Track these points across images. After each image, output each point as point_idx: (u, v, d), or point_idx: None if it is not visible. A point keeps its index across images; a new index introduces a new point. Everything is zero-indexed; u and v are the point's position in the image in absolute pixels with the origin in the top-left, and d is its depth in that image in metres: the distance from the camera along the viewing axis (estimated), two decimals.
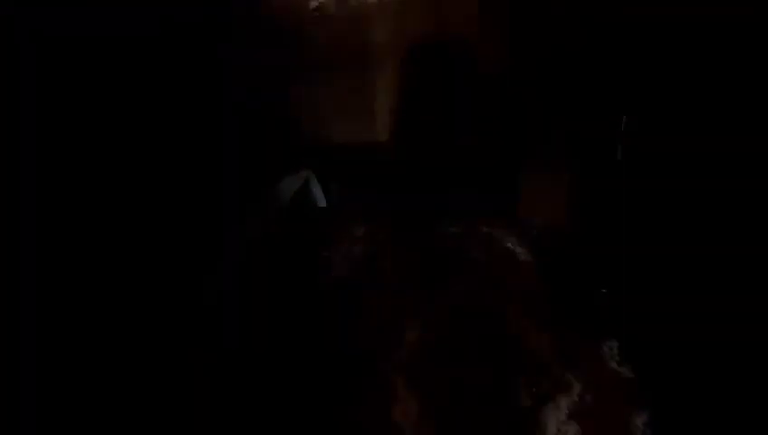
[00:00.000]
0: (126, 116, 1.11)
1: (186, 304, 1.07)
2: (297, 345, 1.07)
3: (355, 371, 1.05)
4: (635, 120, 1.27)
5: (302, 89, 1.39)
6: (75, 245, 1.05)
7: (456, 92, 1.42)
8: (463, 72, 1.41)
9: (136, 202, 1.11)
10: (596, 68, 1.32)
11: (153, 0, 1.11)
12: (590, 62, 1.32)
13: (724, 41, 1.18)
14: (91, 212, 1.07)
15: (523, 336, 1.08)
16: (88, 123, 1.09)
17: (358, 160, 1.43)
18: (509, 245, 1.22)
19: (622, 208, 1.27)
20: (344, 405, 1.02)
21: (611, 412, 1.02)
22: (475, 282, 1.16)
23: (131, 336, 1.05)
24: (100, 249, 1.07)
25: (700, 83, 1.22)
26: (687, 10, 1.15)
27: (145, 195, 1.12)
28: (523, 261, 1.20)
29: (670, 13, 1.18)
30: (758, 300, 1.09)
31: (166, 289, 1.08)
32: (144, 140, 1.13)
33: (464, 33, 1.40)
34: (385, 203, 1.32)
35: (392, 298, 1.12)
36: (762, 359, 1.08)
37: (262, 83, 1.35)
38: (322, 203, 1.40)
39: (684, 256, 1.17)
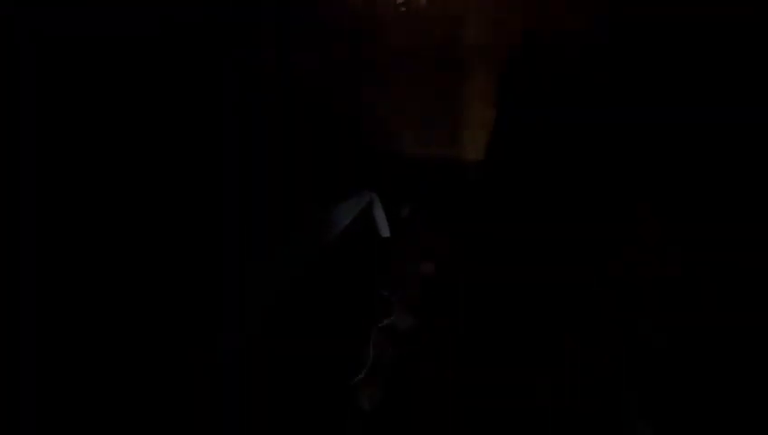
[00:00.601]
0: (129, 118, 1.11)
1: (187, 305, 1.06)
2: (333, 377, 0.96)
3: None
4: None
5: (378, 94, 1.16)
6: (76, 245, 1.05)
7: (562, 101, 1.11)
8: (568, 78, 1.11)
9: (137, 203, 1.11)
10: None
11: (154, 0, 1.11)
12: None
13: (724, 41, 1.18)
14: (93, 213, 1.07)
15: None
16: (89, 124, 1.08)
17: (438, 179, 1.17)
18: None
19: None
20: None
21: None
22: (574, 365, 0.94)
23: (132, 337, 1.05)
24: (101, 251, 1.06)
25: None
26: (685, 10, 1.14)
27: (146, 195, 1.12)
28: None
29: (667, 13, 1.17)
30: None
31: (168, 290, 1.08)
32: (149, 141, 1.12)
33: (566, 33, 1.12)
34: (466, 232, 1.07)
35: (454, 363, 0.94)
36: None
37: (329, 86, 1.12)
38: (385, 231, 1.13)
39: None
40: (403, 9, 1.11)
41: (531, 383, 0.96)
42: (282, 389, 0.99)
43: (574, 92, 1.11)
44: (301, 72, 1.12)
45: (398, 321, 0.99)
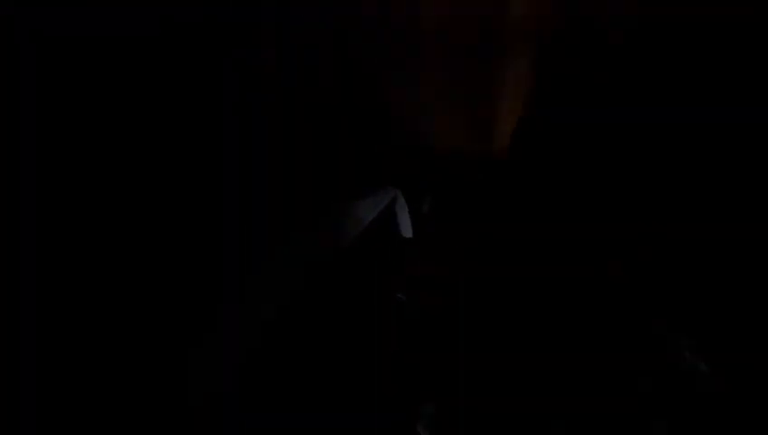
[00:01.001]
0: (130, 118, 1.10)
1: (187, 305, 1.06)
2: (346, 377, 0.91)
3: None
4: None
5: (402, 78, 1.05)
6: (76, 246, 1.04)
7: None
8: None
9: (137, 203, 1.10)
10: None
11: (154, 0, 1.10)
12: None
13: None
14: (92, 214, 1.06)
15: None
16: (89, 124, 1.08)
17: (466, 171, 1.06)
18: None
19: None
20: None
21: None
22: None
23: (131, 337, 1.04)
24: (101, 251, 1.06)
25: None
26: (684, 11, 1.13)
27: (146, 195, 1.11)
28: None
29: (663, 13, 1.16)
30: None
31: (168, 291, 1.07)
32: (149, 141, 1.12)
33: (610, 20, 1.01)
34: (492, 230, 0.99)
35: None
36: None
37: (347, 70, 1.02)
38: (407, 231, 1.05)
39: None
40: None
41: (555, 403, 0.92)
42: (285, 406, 0.95)
43: (619, 89, 1.04)
44: (315, 63, 1.06)
45: (415, 328, 0.94)
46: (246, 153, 1.09)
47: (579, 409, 0.93)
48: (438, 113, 1.04)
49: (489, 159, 1.02)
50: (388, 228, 1.02)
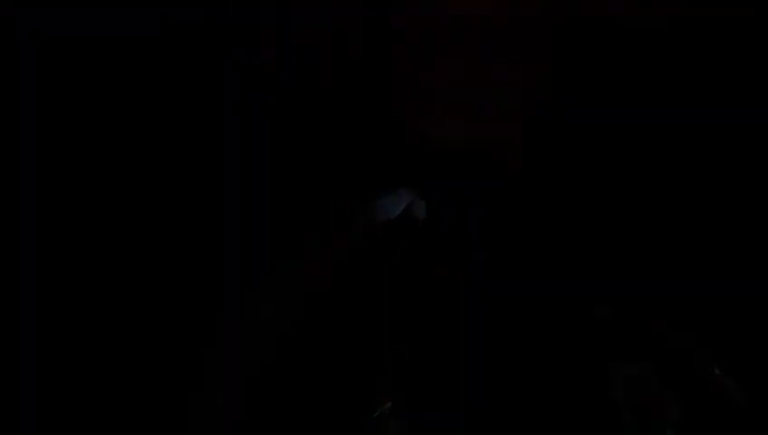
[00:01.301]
0: (130, 118, 1.10)
1: (188, 305, 1.06)
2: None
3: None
4: None
5: (409, 74, 1.03)
6: (75, 246, 1.04)
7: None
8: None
9: (137, 202, 1.10)
10: None
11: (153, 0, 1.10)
12: None
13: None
14: (92, 213, 1.06)
15: None
16: (88, 123, 1.08)
17: (475, 170, 1.04)
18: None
19: None
20: None
21: None
22: None
23: (132, 338, 1.04)
24: (101, 251, 1.06)
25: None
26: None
27: (146, 196, 1.11)
28: None
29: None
30: None
31: (168, 290, 1.07)
32: (149, 142, 1.11)
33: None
34: (507, 230, 0.98)
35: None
36: None
37: (347, 70, 1.02)
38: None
39: None
40: None
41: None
42: (289, 420, 0.93)
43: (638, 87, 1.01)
44: (315, 63, 1.05)
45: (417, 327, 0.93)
46: (246, 154, 1.10)
47: (579, 408, 0.94)
48: (439, 113, 1.04)
49: (490, 159, 1.02)
50: (405, 231, 0.99)
